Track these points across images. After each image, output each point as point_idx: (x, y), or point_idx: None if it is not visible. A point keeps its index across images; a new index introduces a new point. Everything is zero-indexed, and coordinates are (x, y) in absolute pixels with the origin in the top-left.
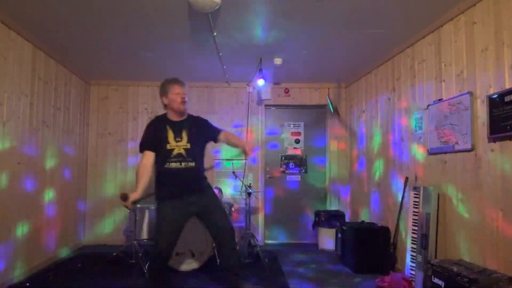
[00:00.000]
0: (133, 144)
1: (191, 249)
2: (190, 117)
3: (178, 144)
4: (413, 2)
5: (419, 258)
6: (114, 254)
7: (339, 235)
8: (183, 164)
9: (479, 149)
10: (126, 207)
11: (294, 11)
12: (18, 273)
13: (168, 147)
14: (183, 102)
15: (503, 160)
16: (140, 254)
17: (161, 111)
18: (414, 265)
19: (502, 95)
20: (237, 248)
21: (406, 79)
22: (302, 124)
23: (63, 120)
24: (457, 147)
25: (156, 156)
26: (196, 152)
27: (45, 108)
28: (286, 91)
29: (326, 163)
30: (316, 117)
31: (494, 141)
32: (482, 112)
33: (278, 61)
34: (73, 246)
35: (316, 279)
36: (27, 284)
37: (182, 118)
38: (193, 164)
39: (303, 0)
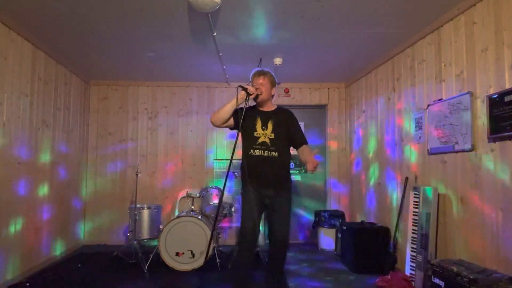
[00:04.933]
0: (133, 144)
1: (191, 249)
2: (280, 109)
3: (264, 133)
4: (413, 2)
5: (419, 258)
6: (114, 254)
7: (339, 235)
8: (266, 152)
9: (479, 149)
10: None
11: (294, 11)
12: (18, 273)
13: (255, 134)
14: (250, 95)
15: (503, 160)
16: (140, 254)
17: (160, 112)
18: (414, 265)
19: (502, 95)
20: (286, 257)
21: (406, 79)
22: (302, 124)
23: (63, 120)
24: (457, 147)
25: (243, 142)
26: (280, 143)
27: (45, 108)
28: (286, 91)
29: (326, 163)
30: (316, 117)
31: (494, 141)
32: (482, 112)
33: (278, 61)
34: (73, 246)
35: (316, 279)
36: (27, 284)
37: (271, 109)
38: (276, 154)
39: (303, 0)
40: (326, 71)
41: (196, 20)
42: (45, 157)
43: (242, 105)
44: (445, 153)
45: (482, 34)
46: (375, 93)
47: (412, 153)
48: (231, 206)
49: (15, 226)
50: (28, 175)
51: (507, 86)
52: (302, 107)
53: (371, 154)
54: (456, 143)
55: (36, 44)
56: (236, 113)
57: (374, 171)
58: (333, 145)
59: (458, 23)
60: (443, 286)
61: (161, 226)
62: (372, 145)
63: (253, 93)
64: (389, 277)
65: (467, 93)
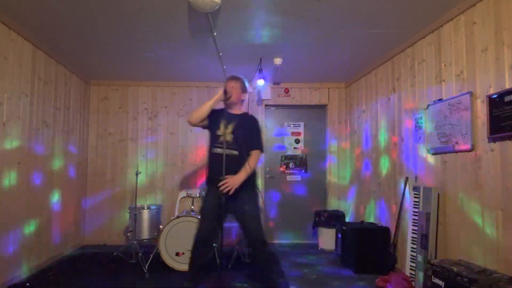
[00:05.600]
0: (133, 144)
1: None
2: (247, 114)
3: (226, 132)
4: (413, 2)
5: (419, 258)
6: (114, 254)
7: (339, 235)
8: (226, 151)
9: (479, 149)
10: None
11: (294, 11)
12: (18, 273)
13: (218, 132)
14: (226, 96)
15: (503, 160)
16: (140, 254)
17: (160, 112)
18: (414, 265)
19: (502, 95)
20: (269, 256)
21: (406, 79)
22: (302, 124)
23: (63, 120)
24: (457, 147)
25: (208, 140)
26: (240, 143)
27: (45, 108)
28: (286, 91)
29: (326, 163)
30: (316, 117)
31: (494, 141)
32: (482, 112)
33: (278, 61)
34: (73, 246)
35: (316, 279)
36: (27, 284)
37: (238, 113)
38: (236, 153)
39: (303, 0)
40: (326, 71)
41: (196, 20)
42: (45, 157)
43: (220, 105)
44: (445, 153)
45: (482, 34)
46: (375, 93)
47: (412, 153)
48: None
49: (15, 226)
50: (28, 175)
51: (507, 86)
52: (302, 107)
53: (371, 155)
54: (456, 143)
55: (36, 44)
56: (211, 113)
57: (374, 171)
58: (333, 145)
59: (458, 23)
60: (443, 286)
61: (161, 226)
62: (372, 145)
63: (229, 94)
64: (389, 277)
65: (467, 93)
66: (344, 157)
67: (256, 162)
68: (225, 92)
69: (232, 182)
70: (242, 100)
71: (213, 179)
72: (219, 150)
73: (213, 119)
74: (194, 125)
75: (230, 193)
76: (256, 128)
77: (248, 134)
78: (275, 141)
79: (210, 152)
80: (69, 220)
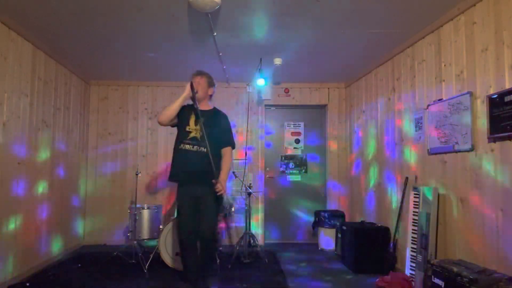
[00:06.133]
0: (133, 144)
1: None
2: (216, 110)
3: (195, 128)
4: (413, 2)
5: (419, 258)
6: (114, 254)
7: (339, 235)
8: (195, 147)
9: (479, 149)
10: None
11: (294, 11)
12: (18, 273)
13: (187, 128)
14: (192, 92)
15: (503, 160)
16: (140, 254)
17: (161, 111)
18: (414, 265)
19: (502, 95)
20: (213, 257)
21: (406, 79)
22: (302, 124)
23: (63, 120)
24: (457, 147)
25: (176, 136)
26: (210, 140)
27: (45, 108)
28: (286, 91)
29: (326, 163)
30: (316, 117)
31: (494, 141)
32: (482, 112)
33: (278, 61)
34: (73, 246)
35: (316, 279)
36: (27, 284)
37: (208, 108)
38: (204, 150)
39: (303, 0)
40: (326, 71)
41: (196, 20)
42: (45, 157)
43: (189, 102)
44: (445, 153)
45: (482, 34)
46: (375, 93)
47: (412, 153)
48: (231, 206)
49: (15, 226)
50: (28, 175)
51: (507, 86)
52: (302, 107)
53: (371, 154)
54: (456, 143)
55: (36, 44)
56: (180, 109)
57: (374, 171)
58: (333, 145)
59: (458, 23)
60: (443, 286)
61: (161, 226)
62: (372, 145)
63: (195, 89)
64: (389, 277)
65: (467, 93)
66: (344, 157)
67: (231, 159)
68: (192, 88)
69: (222, 187)
70: (210, 95)
71: (183, 177)
72: (187, 147)
73: (182, 116)
74: (165, 125)
75: (224, 195)
76: (226, 124)
77: (217, 130)
78: (275, 141)
79: (178, 148)
80: (69, 220)
